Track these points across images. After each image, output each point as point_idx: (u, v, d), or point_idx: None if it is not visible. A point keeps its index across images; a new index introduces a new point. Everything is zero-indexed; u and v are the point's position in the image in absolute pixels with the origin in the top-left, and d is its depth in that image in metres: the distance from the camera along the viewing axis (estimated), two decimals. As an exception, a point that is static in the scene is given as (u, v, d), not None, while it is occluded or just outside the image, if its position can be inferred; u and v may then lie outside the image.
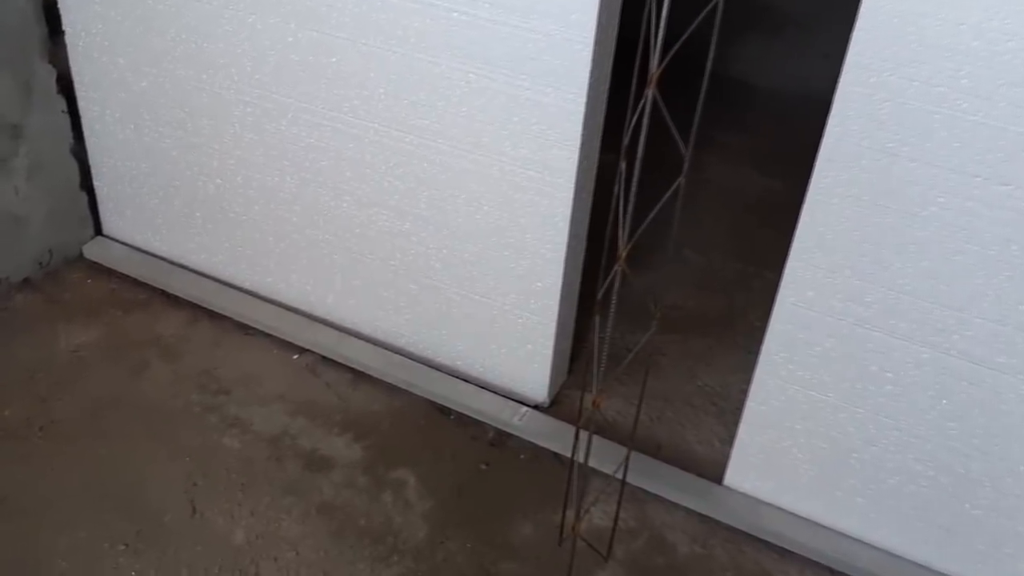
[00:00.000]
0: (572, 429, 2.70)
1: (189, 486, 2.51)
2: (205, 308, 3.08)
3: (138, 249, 3.26)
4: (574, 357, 2.98)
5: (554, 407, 2.84)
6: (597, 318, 1.97)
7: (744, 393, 2.98)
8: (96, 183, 3.21)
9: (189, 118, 2.87)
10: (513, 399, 2.81)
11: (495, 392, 2.83)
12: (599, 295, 1.95)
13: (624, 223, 1.75)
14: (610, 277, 1.83)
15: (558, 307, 2.63)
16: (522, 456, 2.69)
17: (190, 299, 3.10)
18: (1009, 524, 2.24)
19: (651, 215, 1.77)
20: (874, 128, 1.97)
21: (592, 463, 2.19)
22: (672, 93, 1.76)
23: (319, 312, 3.02)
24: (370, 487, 2.55)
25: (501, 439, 2.73)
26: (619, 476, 2.25)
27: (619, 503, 2.32)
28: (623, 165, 1.81)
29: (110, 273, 3.20)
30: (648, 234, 1.79)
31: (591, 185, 2.55)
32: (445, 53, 2.38)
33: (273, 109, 2.71)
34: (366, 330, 2.97)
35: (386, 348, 2.94)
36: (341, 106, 2.60)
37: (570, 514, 2.34)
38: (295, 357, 2.94)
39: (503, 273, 2.64)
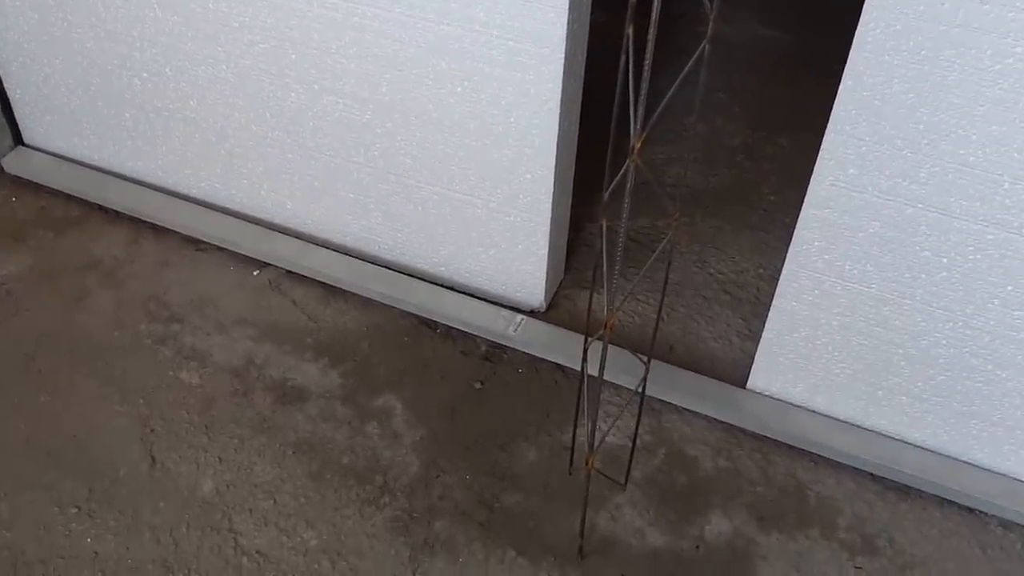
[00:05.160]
0: (574, 336, 2.41)
1: (145, 433, 2.21)
2: (148, 223, 2.70)
3: (66, 158, 2.85)
4: (570, 251, 2.65)
5: (552, 311, 2.53)
6: (603, 223, 1.62)
7: (761, 278, 2.69)
8: (6, 85, 2.77)
9: (99, 1, 2.42)
10: (506, 306, 2.49)
11: (485, 300, 2.51)
12: (605, 194, 1.59)
13: (636, 108, 1.37)
14: (620, 174, 1.47)
15: (551, 200, 2.27)
16: (520, 370, 2.39)
17: (131, 213, 2.72)
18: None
19: (668, 95, 1.39)
20: (937, -38, 1.58)
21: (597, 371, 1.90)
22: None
23: (278, 220, 2.65)
24: (352, 418, 2.26)
25: (495, 352, 2.43)
26: (636, 394, 1.96)
27: (637, 426, 2.04)
28: (630, 31, 1.42)
29: (37, 188, 2.81)
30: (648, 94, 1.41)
31: (583, 53, 2.14)
32: (396, -101, 1.94)
33: (196, -17, 2.26)
34: (334, 238, 2.61)
35: (358, 257, 2.59)
36: (277, -25, 2.16)
37: (580, 437, 2.07)
38: (255, 273, 2.59)
39: (486, 165, 2.26)
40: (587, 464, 1.83)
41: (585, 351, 1.88)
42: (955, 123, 1.72)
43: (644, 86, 1.36)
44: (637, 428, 2.04)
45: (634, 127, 1.40)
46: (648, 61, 1.34)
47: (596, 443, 1.86)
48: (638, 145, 1.41)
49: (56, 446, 2.17)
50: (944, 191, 1.81)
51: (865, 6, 1.67)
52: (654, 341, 1.92)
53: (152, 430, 2.21)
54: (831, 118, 1.82)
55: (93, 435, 2.20)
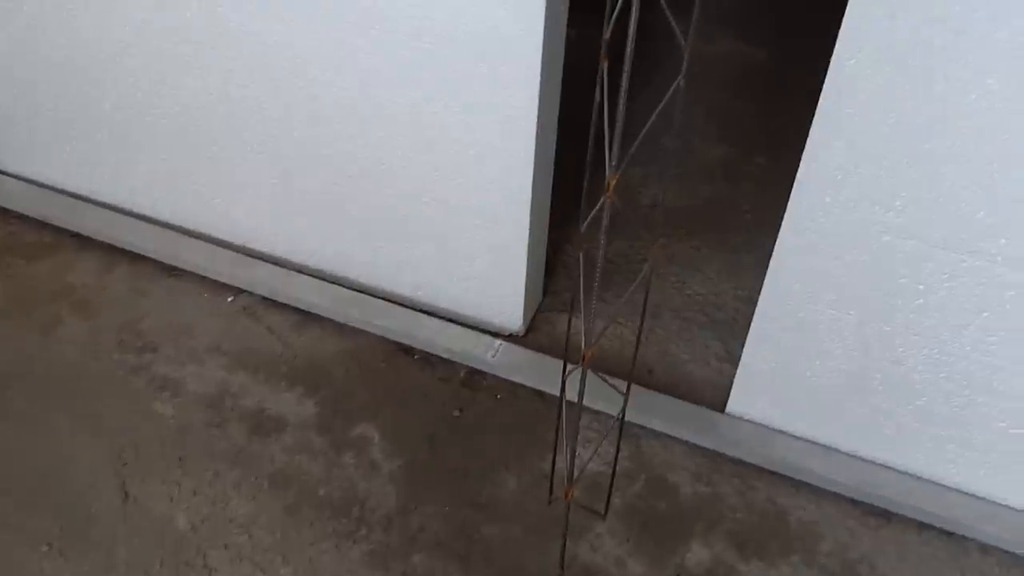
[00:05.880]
0: (553, 361, 2.40)
1: (118, 466, 2.17)
2: (122, 249, 2.66)
3: (37, 183, 2.81)
4: (549, 272, 2.64)
5: (531, 335, 2.51)
6: (581, 257, 1.61)
7: (739, 299, 2.68)
8: (-27, 107, 2.73)
9: (68, 15, 2.37)
10: (484, 331, 2.48)
11: (463, 324, 2.49)
12: (582, 226, 1.57)
13: (611, 146, 1.36)
14: (595, 209, 1.46)
15: (528, 223, 2.26)
16: (499, 396, 2.37)
17: (104, 240, 2.68)
18: (1055, 443, 1.99)
19: (642, 133, 1.38)
20: (911, -7, 1.58)
21: (575, 397, 1.89)
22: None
23: (254, 245, 2.62)
24: (328, 449, 2.23)
25: (474, 378, 2.41)
26: (616, 421, 1.94)
27: (616, 456, 2.02)
28: (605, 66, 1.41)
29: (6, 214, 2.76)
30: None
31: (559, 72, 2.12)
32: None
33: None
34: (310, 263, 2.59)
35: (335, 282, 2.57)
36: None
37: (560, 464, 2.05)
38: (229, 300, 2.56)
39: (463, 189, 2.24)
40: (566, 496, 1.81)
41: (563, 382, 1.86)
42: (930, 153, 1.72)
43: (619, 124, 1.35)
44: (616, 458, 2.03)
45: (609, 164, 1.39)
46: (623, 99, 1.33)
47: (575, 473, 1.85)
48: (613, 183, 1.39)
49: (28, 482, 2.13)
50: (920, 220, 1.81)
51: (840, 35, 1.67)
52: (633, 369, 1.91)
53: (125, 463, 2.17)
54: (806, 147, 1.81)
55: (65, 470, 2.16)
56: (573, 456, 1.79)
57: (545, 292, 2.63)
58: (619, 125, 1.35)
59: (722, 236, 2.87)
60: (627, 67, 1.31)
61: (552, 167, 2.32)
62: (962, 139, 1.68)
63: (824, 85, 1.73)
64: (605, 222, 1.44)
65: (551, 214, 2.45)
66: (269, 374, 2.38)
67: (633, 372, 1.90)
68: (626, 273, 2.68)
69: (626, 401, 1.88)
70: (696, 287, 2.72)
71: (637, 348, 1.87)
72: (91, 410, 2.28)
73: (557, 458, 2.07)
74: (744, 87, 3.48)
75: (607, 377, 1.82)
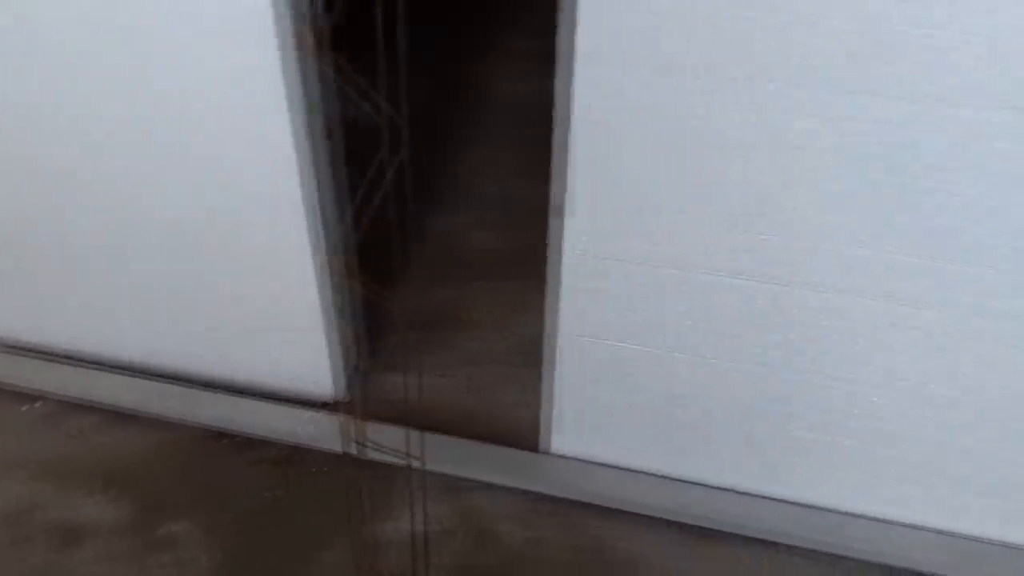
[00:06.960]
0: (373, 425, 2.37)
1: (-93, 606, 2.04)
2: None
3: None
4: (376, 330, 2.60)
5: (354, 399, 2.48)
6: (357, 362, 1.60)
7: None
8: None
9: None
10: (300, 402, 2.43)
11: (278, 399, 2.44)
12: (347, 318, 1.57)
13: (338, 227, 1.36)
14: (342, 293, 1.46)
15: (317, 289, 2.21)
16: (314, 469, 2.33)
17: None
18: (859, 446, 2.07)
19: (353, 211, 1.39)
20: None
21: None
22: None
23: (50, 345, 2.52)
24: (140, 551, 2.14)
25: (289, 456, 2.36)
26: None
27: (413, 519, 2.01)
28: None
29: None
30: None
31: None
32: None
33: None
34: (114, 358, 2.50)
35: (140, 376, 2.48)
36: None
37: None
38: (23, 409, 2.44)
39: (246, 267, 2.21)
40: (370, 571, 1.79)
41: (357, 459, 1.84)
42: (673, 186, 1.79)
43: (333, 206, 1.36)
44: (413, 521, 2.01)
45: (329, 248, 1.39)
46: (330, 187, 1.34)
47: (372, 550, 1.82)
48: (342, 264, 1.40)
49: None
50: (677, 248, 1.88)
51: (575, 81, 1.72)
52: (408, 441, 1.89)
53: (-84, 601, 2.04)
54: (566, 191, 1.86)
55: None
56: (369, 535, 1.77)
57: (373, 351, 2.59)
58: (334, 208, 1.36)
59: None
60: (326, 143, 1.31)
61: (341, 233, 2.28)
62: (693, 170, 1.75)
63: (570, 126, 1.77)
64: (350, 311, 1.43)
65: (371, 270, 2.41)
66: (77, 481, 2.28)
67: (408, 442, 1.89)
68: (455, 321, 2.69)
69: (410, 462, 1.87)
70: (523, 329, 2.74)
71: (411, 399, 1.86)
72: None
73: (366, 531, 2.04)
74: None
75: (396, 443, 1.81)
